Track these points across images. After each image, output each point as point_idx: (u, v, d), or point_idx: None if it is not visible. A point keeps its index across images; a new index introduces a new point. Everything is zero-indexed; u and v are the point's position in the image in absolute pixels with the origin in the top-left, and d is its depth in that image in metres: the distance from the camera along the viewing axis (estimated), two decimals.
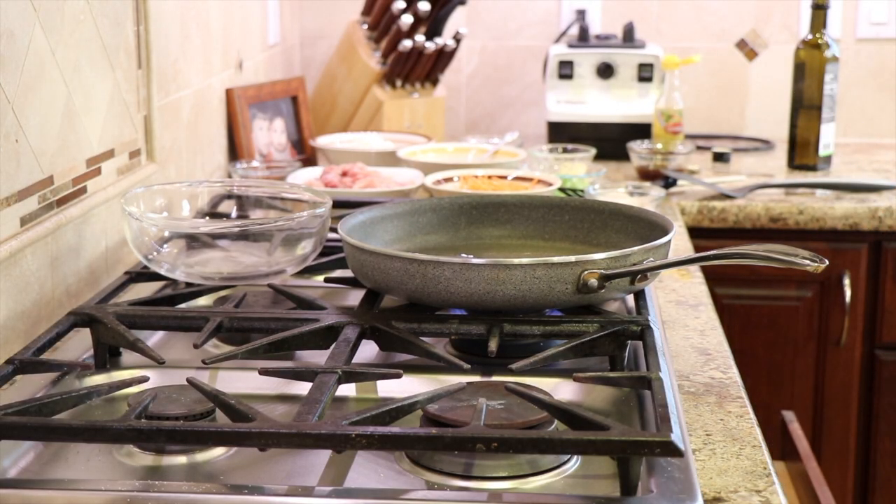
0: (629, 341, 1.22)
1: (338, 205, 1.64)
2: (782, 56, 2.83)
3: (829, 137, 2.52)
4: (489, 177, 2.04)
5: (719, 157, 2.60)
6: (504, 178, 2.04)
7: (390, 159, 2.24)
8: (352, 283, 1.40)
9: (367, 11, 2.59)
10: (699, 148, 2.65)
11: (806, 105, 2.50)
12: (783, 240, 2.03)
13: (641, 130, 2.55)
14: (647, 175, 2.36)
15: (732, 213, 2.25)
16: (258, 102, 2.34)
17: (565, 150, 2.34)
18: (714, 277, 1.73)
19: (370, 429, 0.95)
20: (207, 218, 1.59)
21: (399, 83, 2.56)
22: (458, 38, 2.54)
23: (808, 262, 1.15)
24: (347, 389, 1.15)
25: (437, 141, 2.45)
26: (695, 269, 1.70)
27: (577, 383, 1.13)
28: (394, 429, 0.98)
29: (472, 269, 1.21)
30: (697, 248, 1.95)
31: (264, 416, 0.96)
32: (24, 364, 1.14)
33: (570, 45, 2.71)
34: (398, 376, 1.11)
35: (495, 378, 1.14)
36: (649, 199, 2.00)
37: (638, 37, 2.73)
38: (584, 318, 1.23)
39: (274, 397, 1.17)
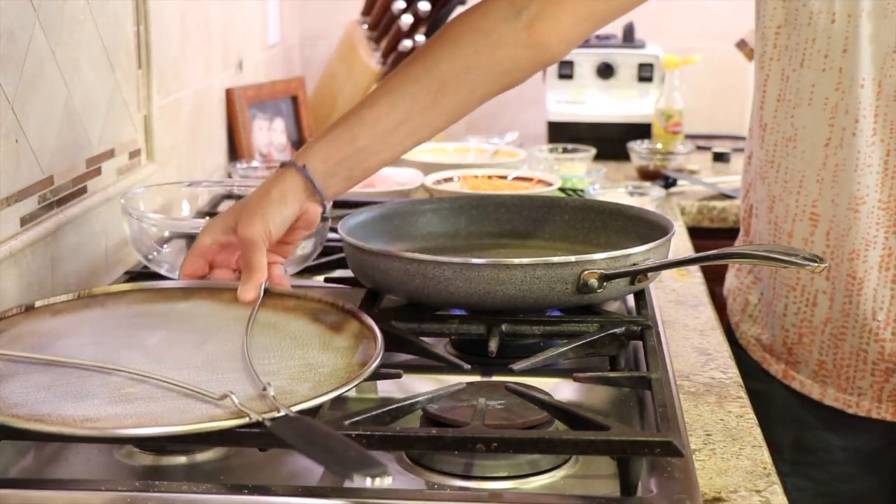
0: (629, 341, 1.22)
1: (338, 205, 1.64)
2: None
3: None
4: (489, 177, 2.04)
5: (719, 157, 2.60)
6: (504, 178, 2.04)
7: None
8: (352, 283, 1.40)
9: (367, 11, 2.59)
10: (699, 148, 2.64)
11: None
12: None
13: (641, 130, 2.55)
14: (647, 175, 2.36)
15: (732, 213, 2.25)
16: (258, 102, 2.34)
17: (565, 150, 2.34)
18: (714, 277, 1.73)
19: (370, 429, 0.95)
20: (207, 218, 1.59)
21: None
22: None
23: (808, 262, 1.15)
24: None
25: (437, 141, 2.45)
26: (695, 269, 1.70)
27: (577, 383, 1.13)
28: (394, 429, 0.98)
29: (472, 269, 1.21)
30: (697, 248, 1.95)
31: None
32: None
33: None
34: (398, 376, 1.11)
35: (495, 378, 1.14)
36: (649, 199, 2.00)
37: (638, 37, 2.72)
38: (584, 318, 1.23)
39: None
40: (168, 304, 1.19)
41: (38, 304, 1.17)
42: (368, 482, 0.81)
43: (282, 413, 0.92)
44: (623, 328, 1.21)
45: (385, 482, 0.81)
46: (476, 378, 1.13)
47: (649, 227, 1.38)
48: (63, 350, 1.07)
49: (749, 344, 1.52)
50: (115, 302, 1.20)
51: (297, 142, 2.48)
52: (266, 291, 1.18)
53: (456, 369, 1.15)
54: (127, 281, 1.44)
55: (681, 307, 1.53)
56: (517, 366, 1.13)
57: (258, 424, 0.92)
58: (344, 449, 0.85)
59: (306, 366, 1.05)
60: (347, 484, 0.95)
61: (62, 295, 1.20)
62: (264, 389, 0.96)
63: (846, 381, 1.40)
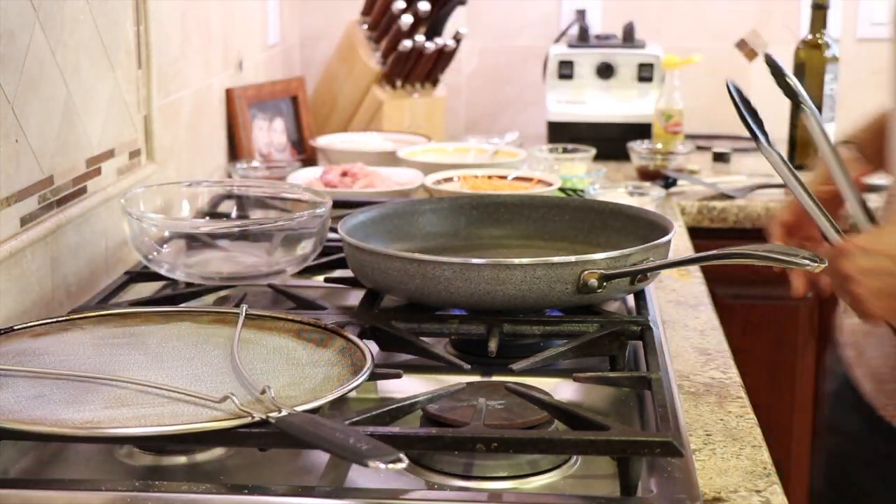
0: (629, 341, 1.22)
1: (338, 205, 1.64)
2: (782, 56, 2.82)
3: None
4: (489, 177, 2.04)
5: (719, 157, 2.60)
6: (504, 178, 2.04)
7: (390, 159, 2.24)
8: (352, 283, 1.40)
9: (367, 11, 2.59)
10: (699, 148, 2.64)
11: None
12: None
13: (641, 130, 2.55)
14: (647, 175, 2.36)
15: (732, 213, 2.25)
16: (258, 102, 2.34)
17: (565, 150, 2.34)
18: (714, 277, 1.73)
19: (370, 429, 0.95)
20: (207, 218, 1.59)
21: (399, 83, 2.56)
22: (458, 38, 2.54)
23: (808, 262, 1.15)
24: None
25: (437, 141, 2.45)
26: (695, 269, 1.70)
27: (577, 383, 1.13)
28: (394, 429, 0.98)
29: (472, 269, 1.21)
30: (697, 248, 1.95)
31: None
32: None
33: (570, 45, 2.70)
34: (398, 376, 1.12)
35: (495, 378, 1.14)
36: (649, 199, 2.00)
37: (638, 37, 2.72)
38: (584, 318, 1.23)
39: None
40: (148, 326, 1.19)
41: (16, 327, 1.17)
42: (383, 468, 0.82)
43: (284, 412, 0.92)
44: (623, 328, 1.21)
45: (398, 467, 0.82)
46: (476, 378, 1.13)
47: (649, 227, 1.38)
48: (49, 366, 1.07)
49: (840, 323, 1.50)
50: (94, 325, 1.19)
51: (297, 142, 2.48)
52: (247, 315, 1.18)
53: (456, 369, 1.15)
54: (127, 281, 1.44)
55: (681, 307, 1.53)
56: (517, 366, 1.13)
57: (260, 424, 0.92)
58: (355, 439, 0.86)
59: (298, 376, 1.06)
60: (348, 483, 0.96)
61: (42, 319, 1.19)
62: (263, 392, 0.96)
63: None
